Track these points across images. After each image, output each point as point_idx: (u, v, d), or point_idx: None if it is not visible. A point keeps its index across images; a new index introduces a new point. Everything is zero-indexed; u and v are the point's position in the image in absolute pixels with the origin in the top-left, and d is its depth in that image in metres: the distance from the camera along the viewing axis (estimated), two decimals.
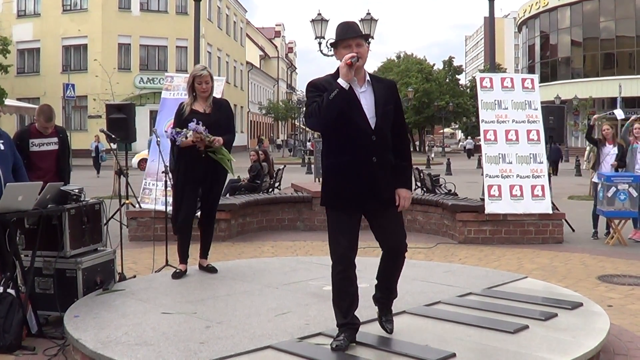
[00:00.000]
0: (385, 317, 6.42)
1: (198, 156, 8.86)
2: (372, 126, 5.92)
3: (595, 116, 16.92)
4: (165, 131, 9.71)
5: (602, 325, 6.80)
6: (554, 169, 38.09)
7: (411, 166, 6.43)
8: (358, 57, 5.78)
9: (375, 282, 6.46)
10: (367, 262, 8.88)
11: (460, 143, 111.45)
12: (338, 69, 5.87)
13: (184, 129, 8.79)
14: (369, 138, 5.90)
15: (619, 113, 24.60)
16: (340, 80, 5.74)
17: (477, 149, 68.85)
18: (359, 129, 5.89)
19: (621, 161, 14.66)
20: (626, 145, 15.01)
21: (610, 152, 14.81)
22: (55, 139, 9.84)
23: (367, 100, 5.98)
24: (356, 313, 6.17)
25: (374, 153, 5.92)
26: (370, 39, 5.97)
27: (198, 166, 8.92)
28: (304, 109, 6.22)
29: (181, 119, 9.01)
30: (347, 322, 6.09)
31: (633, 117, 15.71)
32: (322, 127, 6.10)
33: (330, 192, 6.09)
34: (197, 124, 8.73)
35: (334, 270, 6.08)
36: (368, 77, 6.09)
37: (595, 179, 15.20)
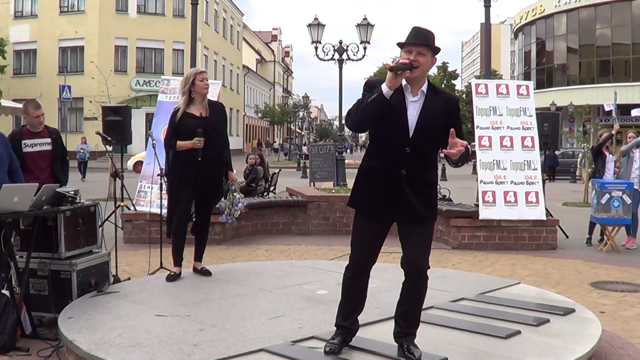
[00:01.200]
0: (408, 347, 5.92)
1: (194, 159, 8.89)
2: (410, 136, 5.70)
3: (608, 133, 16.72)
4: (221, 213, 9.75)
5: (593, 331, 6.85)
6: (550, 175, 38.34)
7: (466, 156, 5.70)
8: (411, 65, 5.55)
9: (397, 280, 6.14)
10: (375, 267, 8.94)
11: None
12: None
13: (238, 204, 9.23)
14: (403, 149, 5.70)
15: (607, 107, 25.00)
16: (383, 85, 5.55)
17: (473, 154, 68.68)
18: (395, 137, 5.71)
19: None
20: (621, 154, 15.11)
21: (610, 160, 14.93)
22: (48, 140, 9.82)
23: (414, 110, 5.72)
24: None
25: (404, 166, 5.72)
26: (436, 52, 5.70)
27: (193, 169, 8.94)
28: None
29: (174, 123, 9.04)
30: (345, 326, 6.11)
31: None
32: (356, 128, 6.04)
33: (357, 194, 6.03)
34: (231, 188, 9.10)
35: (345, 272, 6.11)
36: (425, 88, 5.79)
37: (592, 186, 15.24)
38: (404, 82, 5.67)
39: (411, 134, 5.68)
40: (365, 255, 5.99)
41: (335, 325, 6.16)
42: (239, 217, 10.65)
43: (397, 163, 5.70)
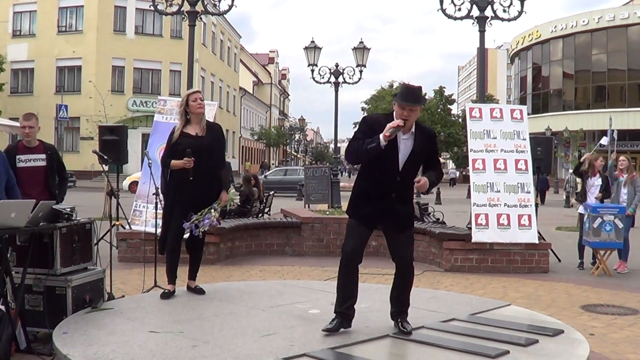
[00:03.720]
0: (402, 323, 7.34)
1: (186, 178, 8.95)
2: (400, 169, 7.07)
3: (587, 155, 16.80)
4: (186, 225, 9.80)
5: (582, 352, 6.91)
6: (541, 198, 38.48)
7: (438, 177, 7.43)
8: (401, 126, 6.85)
9: (388, 300, 7.55)
10: (367, 287, 9.06)
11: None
12: (393, 112, 7.08)
13: (206, 220, 9.22)
14: (394, 178, 7.08)
15: (604, 141, 25.15)
16: (381, 137, 6.84)
17: (465, 179, 69.09)
18: (389, 168, 7.06)
19: (605, 192, 14.84)
20: (611, 180, 15.20)
21: (595, 184, 14.98)
22: (43, 155, 9.86)
23: (406, 146, 7.07)
24: (340, 335, 7.11)
25: (394, 190, 7.14)
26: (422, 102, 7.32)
27: (185, 188, 9.01)
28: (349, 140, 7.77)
29: (170, 142, 9.12)
30: (340, 312, 7.29)
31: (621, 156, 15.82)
32: (354, 164, 7.77)
33: (353, 205, 7.39)
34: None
35: (340, 264, 7.36)
36: (414, 129, 7.12)
37: (581, 210, 15.32)
38: None
39: (401, 166, 7.07)
40: (355, 251, 7.24)
41: (334, 312, 7.32)
42: (205, 233, 10.60)
43: (390, 188, 7.11)
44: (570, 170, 45.53)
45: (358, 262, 7.31)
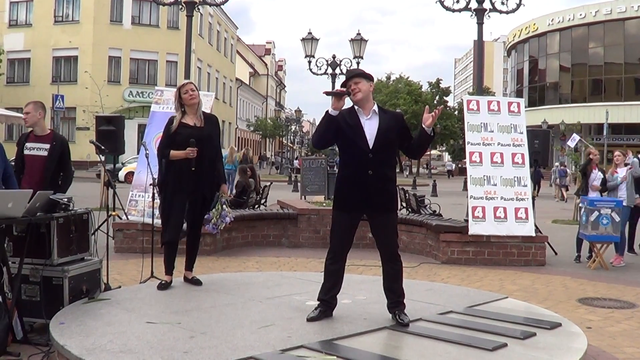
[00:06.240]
0: (399, 315, 7.39)
1: (187, 169, 8.91)
2: (370, 146, 7.25)
3: (592, 150, 16.60)
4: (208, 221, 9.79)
5: (579, 345, 6.90)
6: (536, 190, 38.52)
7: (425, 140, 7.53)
8: (348, 92, 7.32)
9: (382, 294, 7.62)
10: (351, 279, 9.02)
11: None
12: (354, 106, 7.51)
13: (226, 217, 9.50)
14: (367, 155, 7.25)
15: (571, 142, 25.27)
16: (329, 108, 7.26)
17: (462, 171, 69.50)
18: (359, 148, 7.28)
19: (604, 185, 14.85)
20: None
21: (596, 177, 14.98)
22: (47, 146, 9.71)
23: (371, 125, 7.35)
24: (338, 327, 7.02)
25: (370, 167, 7.25)
26: (369, 78, 7.45)
27: (186, 179, 8.95)
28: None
29: (169, 133, 9.06)
30: (325, 299, 7.54)
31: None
32: (316, 144, 7.71)
33: (337, 197, 7.59)
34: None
35: (327, 256, 7.58)
36: (376, 109, 7.45)
37: (581, 204, 15.30)
38: (356, 107, 7.43)
39: (371, 144, 7.28)
40: (341, 242, 7.51)
41: (318, 300, 7.59)
42: (224, 229, 10.68)
43: (365, 166, 7.27)
44: (556, 163, 45.56)
45: (346, 253, 7.61)
